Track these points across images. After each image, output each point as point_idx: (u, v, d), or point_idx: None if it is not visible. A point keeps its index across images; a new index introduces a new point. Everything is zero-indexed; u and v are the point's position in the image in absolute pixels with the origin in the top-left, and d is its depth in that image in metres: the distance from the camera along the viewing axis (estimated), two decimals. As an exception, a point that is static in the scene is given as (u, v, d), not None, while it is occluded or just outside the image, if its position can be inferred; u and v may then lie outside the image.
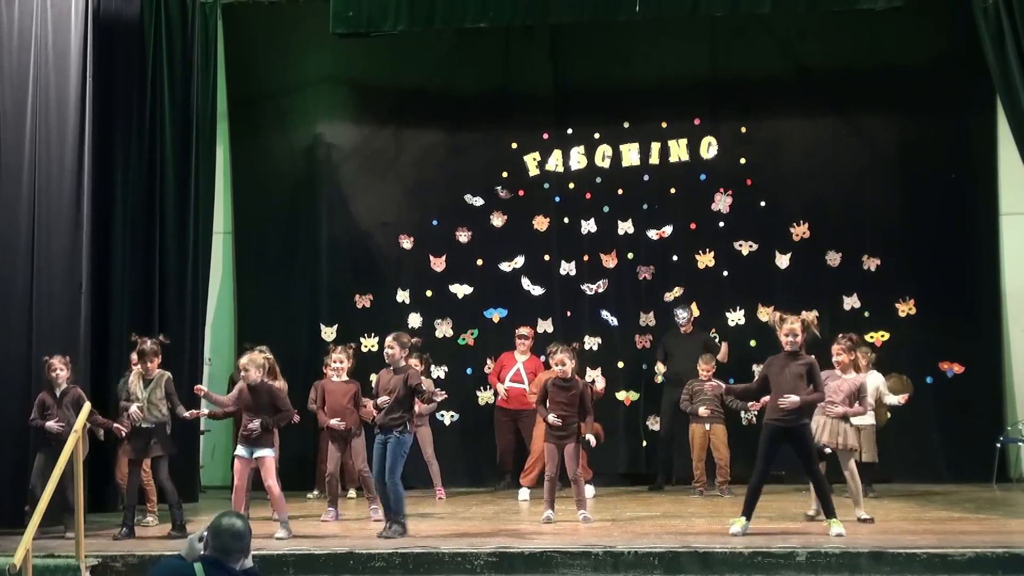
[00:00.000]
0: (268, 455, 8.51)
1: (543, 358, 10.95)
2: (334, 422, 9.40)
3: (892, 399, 10.19)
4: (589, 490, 10.66)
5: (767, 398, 8.32)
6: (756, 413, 10.49)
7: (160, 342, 8.95)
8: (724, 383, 9.22)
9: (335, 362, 9.57)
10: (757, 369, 11.64)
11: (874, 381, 10.15)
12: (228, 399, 9.21)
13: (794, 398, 7.92)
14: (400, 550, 7.56)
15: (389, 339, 8.49)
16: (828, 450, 8.89)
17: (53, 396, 8.88)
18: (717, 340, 11.67)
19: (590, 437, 9.52)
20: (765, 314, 11.91)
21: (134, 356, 9.39)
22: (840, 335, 9.04)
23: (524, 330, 11.63)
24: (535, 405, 9.49)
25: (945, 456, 11.49)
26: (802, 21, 11.75)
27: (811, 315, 8.22)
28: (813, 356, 8.24)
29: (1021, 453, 11.61)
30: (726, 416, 11.02)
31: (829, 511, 8.06)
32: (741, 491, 10.21)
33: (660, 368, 11.57)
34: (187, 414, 8.84)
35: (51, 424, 8.74)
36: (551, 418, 8.91)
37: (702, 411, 10.87)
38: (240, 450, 8.53)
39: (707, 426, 10.93)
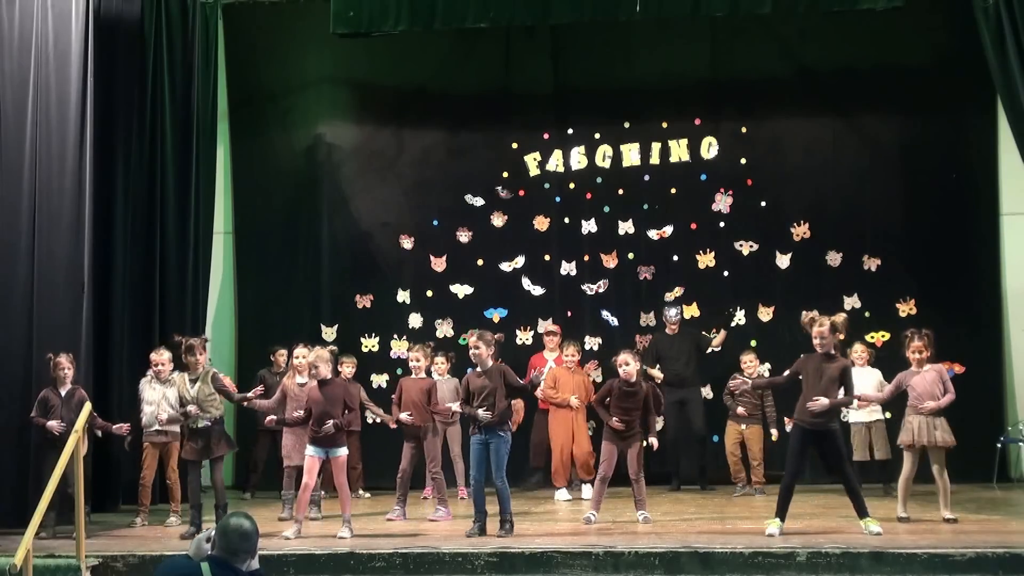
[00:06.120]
0: (343, 454, 8.51)
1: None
2: (404, 416, 9.33)
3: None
4: (586, 491, 10.63)
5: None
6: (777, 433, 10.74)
7: (204, 340, 9.01)
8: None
9: (413, 360, 9.58)
10: (760, 369, 11.71)
11: (875, 377, 10.18)
12: (271, 403, 9.22)
13: (824, 401, 7.95)
14: (401, 550, 7.56)
15: (473, 339, 8.45)
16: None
17: (58, 395, 8.85)
18: (713, 331, 11.57)
19: (653, 440, 9.20)
20: (766, 314, 11.97)
21: (160, 356, 9.36)
22: (911, 330, 8.81)
23: (552, 327, 11.58)
24: (595, 405, 9.25)
25: (946, 456, 11.45)
26: (802, 21, 11.72)
27: (840, 317, 8.23)
28: (849, 360, 8.31)
29: (1021, 453, 11.60)
30: (763, 420, 10.87)
31: (862, 511, 8.07)
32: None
33: (657, 374, 11.19)
34: (244, 397, 8.92)
35: (53, 423, 8.71)
36: (615, 422, 8.84)
37: (740, 410, 10.80)
38: (311, 450, 8.43)
39: (743, 426, 10.85)
